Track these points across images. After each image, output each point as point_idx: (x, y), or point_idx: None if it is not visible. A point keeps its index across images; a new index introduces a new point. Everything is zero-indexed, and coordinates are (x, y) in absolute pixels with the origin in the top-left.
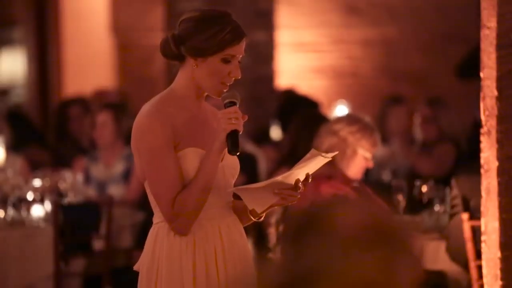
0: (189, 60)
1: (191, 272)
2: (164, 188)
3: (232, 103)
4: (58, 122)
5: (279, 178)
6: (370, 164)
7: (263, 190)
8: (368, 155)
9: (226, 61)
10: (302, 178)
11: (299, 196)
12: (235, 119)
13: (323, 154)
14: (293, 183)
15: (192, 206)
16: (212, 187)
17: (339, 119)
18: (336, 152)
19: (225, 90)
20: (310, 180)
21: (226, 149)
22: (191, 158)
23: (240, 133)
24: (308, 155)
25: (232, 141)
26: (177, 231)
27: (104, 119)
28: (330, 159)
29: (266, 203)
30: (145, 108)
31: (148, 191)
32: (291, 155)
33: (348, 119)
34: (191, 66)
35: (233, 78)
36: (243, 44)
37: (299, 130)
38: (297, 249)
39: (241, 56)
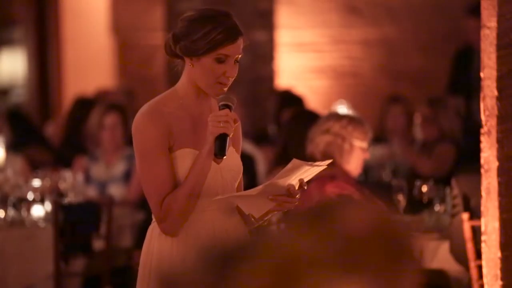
0: (186, 59)
1: None
2: (153, 189)
3: (225, 106)
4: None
5: (260, 187)
6: (367, 155)
7: (256, 196)
8: (364, 145)
9: (220, 60)
10: (296, 184)
11: (296, 202)
12: (224, 122)
13: (313, 163)
14: (280, 190)
15: (178, 208)
16: (201, 191)
17: (326, 118)
18: (330, 161)
19: (225, 89)
20: (306, 187)
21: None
22: (185, 160)
23: (230, 136)
24: (289, 165)
25: (220, 144)
26: (165, 232)
27: (114, 121)
28: (325, 166)
29: (263, 209)
30: (143, 108)
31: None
32: (284, 154)
33: (335, 116)
34: (189, 65)
35: (230, 78)
36: (238, 44)
37: (291, 130)
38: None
39: (238, 56)
